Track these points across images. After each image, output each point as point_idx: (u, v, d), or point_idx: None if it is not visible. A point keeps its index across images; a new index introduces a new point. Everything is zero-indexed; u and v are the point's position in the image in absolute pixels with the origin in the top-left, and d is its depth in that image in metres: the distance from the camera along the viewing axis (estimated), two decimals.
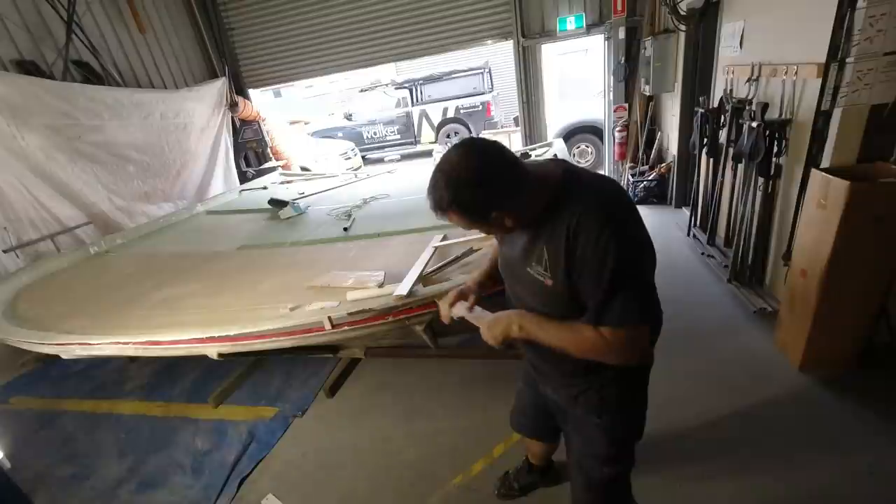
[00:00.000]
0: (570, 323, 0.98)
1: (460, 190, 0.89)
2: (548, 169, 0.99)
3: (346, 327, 1.91)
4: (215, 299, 2.43)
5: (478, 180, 0.88)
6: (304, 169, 7.53)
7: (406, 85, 10.14)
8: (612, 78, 5.23)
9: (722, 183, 3.37)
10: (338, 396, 2.65)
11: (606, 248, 0.87)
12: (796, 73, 2.35)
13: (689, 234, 3.97)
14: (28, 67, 4.02)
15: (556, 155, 4.02)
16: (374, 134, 10.45)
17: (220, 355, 2.09)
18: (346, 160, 8.64)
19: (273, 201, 4.07)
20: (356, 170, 7.62)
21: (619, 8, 4.83)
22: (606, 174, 1.02)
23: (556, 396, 1.27)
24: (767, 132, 2.54)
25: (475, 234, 2.41)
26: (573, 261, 0.92)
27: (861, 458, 1.79)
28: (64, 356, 2.31)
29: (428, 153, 9.92)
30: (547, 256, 0.96)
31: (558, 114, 6.88)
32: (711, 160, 3.44)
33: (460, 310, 1.22)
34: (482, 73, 9.69)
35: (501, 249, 1.18)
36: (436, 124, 10.08)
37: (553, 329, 1.00)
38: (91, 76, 4.57)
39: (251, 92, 6.79)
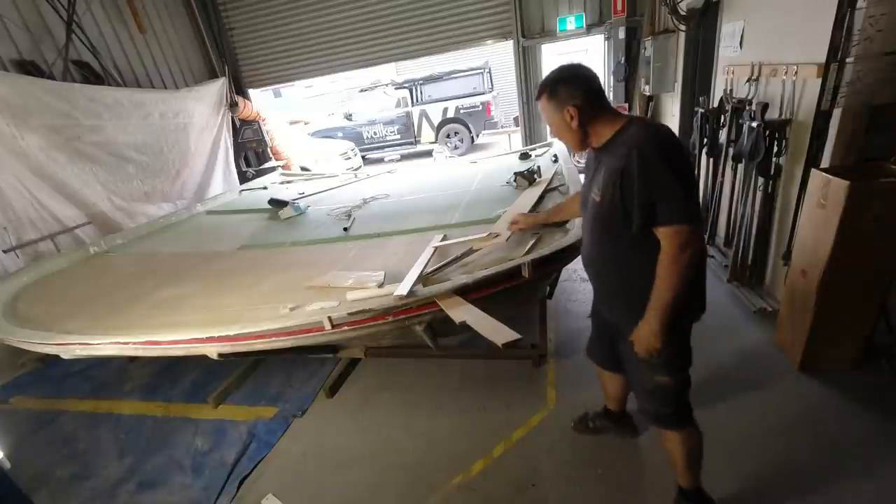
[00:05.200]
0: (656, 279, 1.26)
1: (554, 82, 1.29)
2: (620, 115, 1.31)
3: (346, 327, 1.91)
4: (215, 299, 2.43)
5: (567, 79, 1.28)
6: (304, 169, 7.53)
7: (406, 85, 10.15)
8: (612, 78, 5.23)
9: (722, 183, 3.37)
10: (338, 396, 2.65)
11: (656, 165, 1.14)
12: (796, 73, 2.35)
13: None
14: (28, 67, 4.02)
15: (555, 155, 4.02)
16: (374, 134, 10.45)
17: (220, 355, 2.09)
18: (346, 160, 8.64)
19: (273, 201, 4.07)
20: (356, 170, 7.61)
21: (619, 8, 4.84)
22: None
23: (610, 315, 1.52)
24: (767, 132, 2.54)
25: (475, 235, 2.42)
26: (625, 177, 1.18)
27: (861, 457, 1.79)
28: (64, 356, 2.31)
29: (428, 153, 9.93)
30: (603, 178, 1.26)
31: None
32: (711, 160, 3.43)
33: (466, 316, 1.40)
34: (482, 73, 9.71)
35: (582, 191, 1.51)
36: (436, 124, 10.09)
37: (659, 293, 1.26)
38: (91, 76, 4.58)
39: (251, 92, 6.80)
